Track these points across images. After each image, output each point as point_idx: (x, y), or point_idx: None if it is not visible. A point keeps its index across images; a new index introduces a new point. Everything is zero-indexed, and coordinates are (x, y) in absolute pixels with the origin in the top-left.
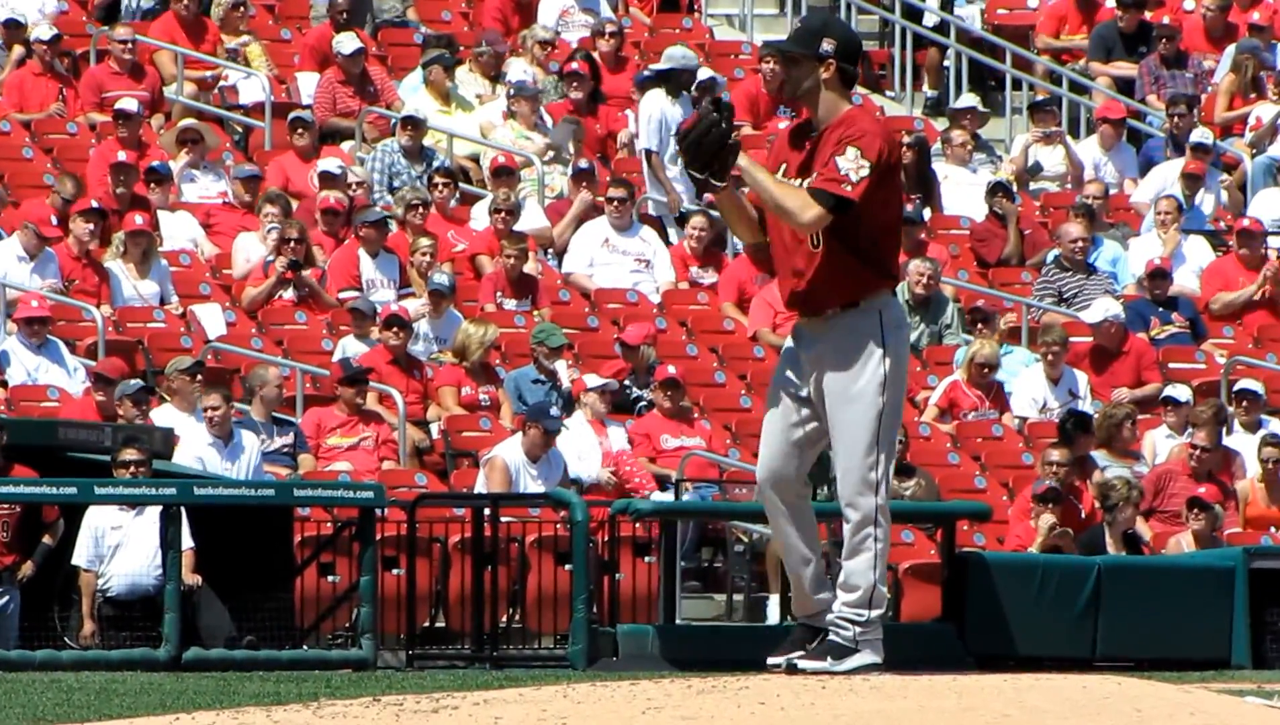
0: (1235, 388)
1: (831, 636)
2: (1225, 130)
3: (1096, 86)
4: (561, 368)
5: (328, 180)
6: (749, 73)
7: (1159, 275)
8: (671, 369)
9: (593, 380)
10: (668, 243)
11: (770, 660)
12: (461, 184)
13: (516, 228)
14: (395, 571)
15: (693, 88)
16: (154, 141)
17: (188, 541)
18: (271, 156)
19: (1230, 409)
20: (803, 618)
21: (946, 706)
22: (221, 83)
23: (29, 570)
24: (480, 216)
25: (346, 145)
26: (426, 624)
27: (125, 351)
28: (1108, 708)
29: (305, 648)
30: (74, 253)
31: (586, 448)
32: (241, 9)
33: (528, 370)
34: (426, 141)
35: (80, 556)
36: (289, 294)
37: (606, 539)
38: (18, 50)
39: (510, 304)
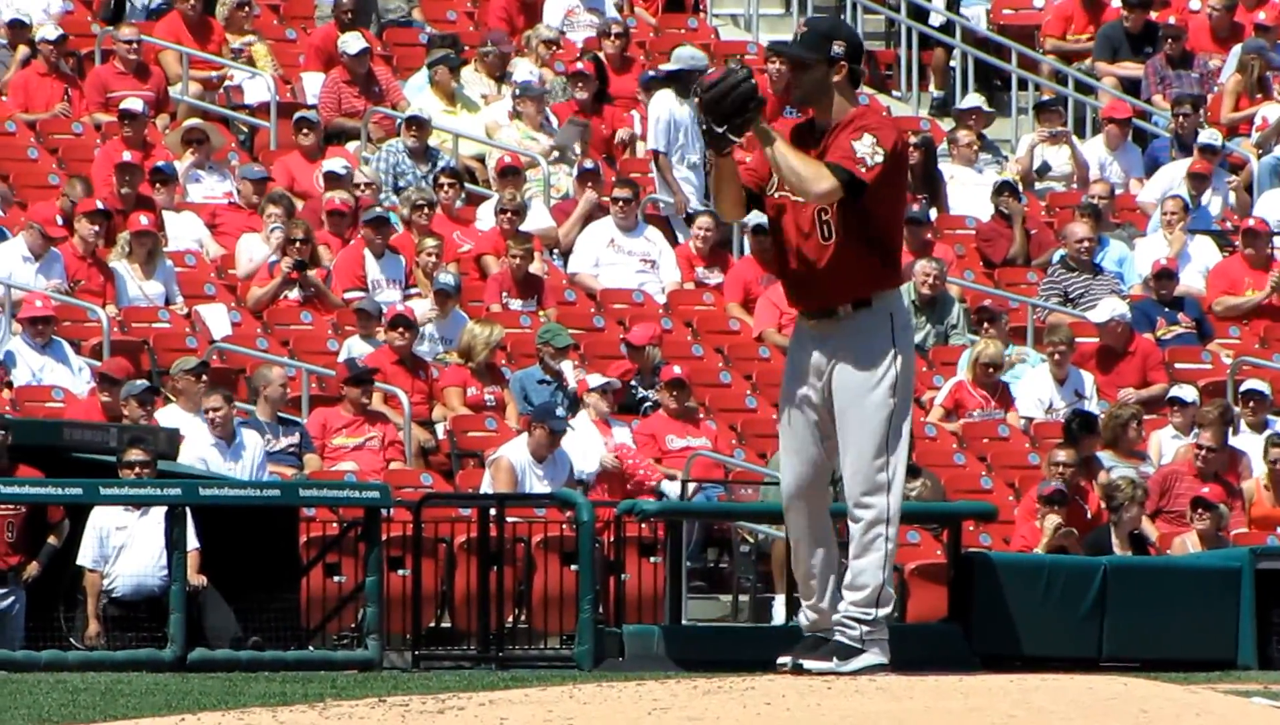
0: (1242, 388)
1: (837, 636)
2: (1231, 130)
3: (1102, 86)
4: (567, 368)
5: (333, 181)
6: (755, 73)
7: (1165, 275)
8: (677, 369)
9: (595, 380)
10: (673, 243)
11: (779, 660)
12: (467, 184)
13: (522, 228)
14: (401, 572)
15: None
16: (159, 142)
17: (193, 542)
18: (277, 157)
19: (1236, 409)
20: (820, 632)
21: (952, 707)
22: (226, 83)
23: (34, 571)
24: (486, 217)
25: (352, 145)
26: (432, 624)
27: (130, 352)
28: (1113, 708)
29: (311, 648)
30: (79, 253)
31: (591, 448)
32: (246, 9)
33: (533, 370)
34: (431, 142)
35: (85, 557)
36: (294, 294)
37: (612, 539)
38: (23, 50)
39: (516, 304)
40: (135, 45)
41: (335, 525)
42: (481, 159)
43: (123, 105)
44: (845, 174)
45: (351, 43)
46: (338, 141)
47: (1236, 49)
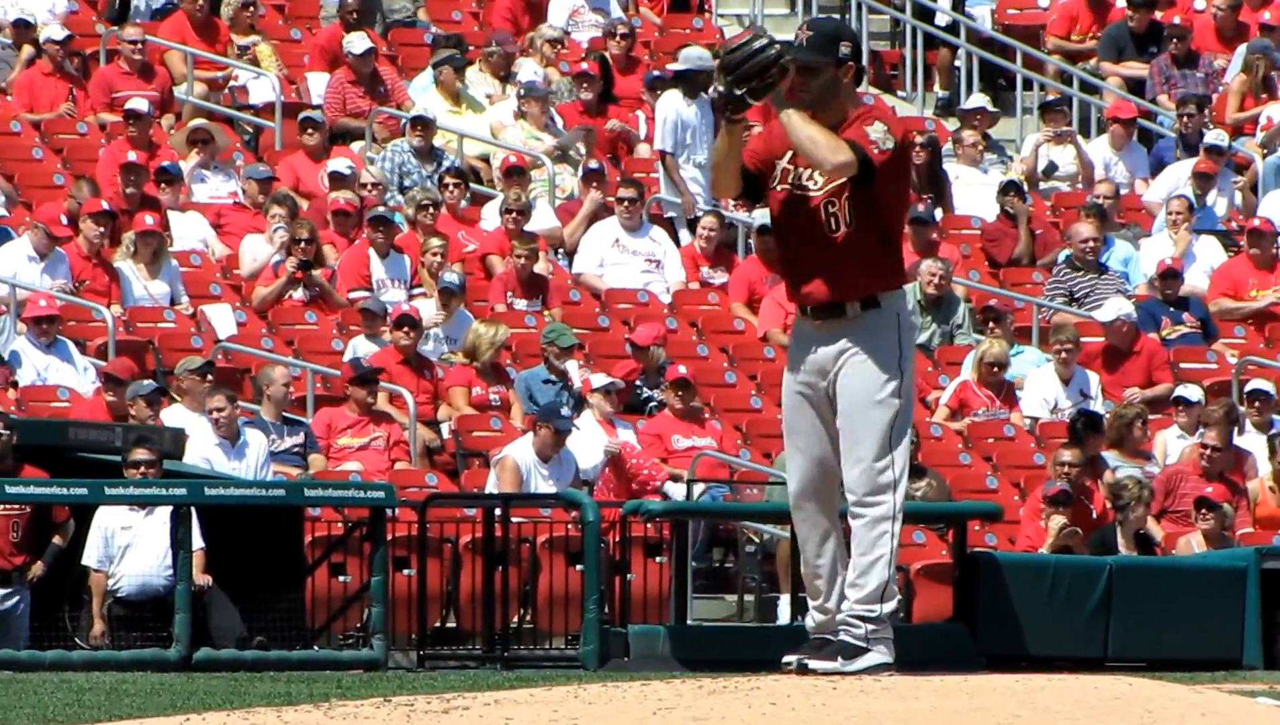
0: (1247, 388)
1: (842, 636)
2: (1236, 130)
3: (1107, 86)
4: (572, 368)
5: (338, 181)
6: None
7: (1170, 275)
8: (682, 369)
9: (598, 380)
10: (678, 243)
11: (784, 660)
12: (472, 184)
13: (527, 228)
14: (406, 572)
15: (711, 88)
16: (164, 142)
17: (198, 542)
18: (282, 157)
19: (1242, 409)
20: (827, 633)
21: (958, 707)
22: (231, 83)
23: (39, 570)
24: (491, 217)
25: (357, 145)
26: (437, 624)
27: (135, 351)
28: (1119, 708)
29: (316, 648)
30: (84, 253)
31: (597, 447)
32: (251, 8)
33: (538, 370)
34: (436, 142)
35: (90, 557)
36: (299, 294)
37: (618, 539)
38: (27, 50)
39: (521, 304)
40: (140, 45)
41: (340, 525)
42: (486, 159)
43: (128, 105)
44: (860, 151)
45: (356, 43)
46: (343, 141)
47: (1241, 49)
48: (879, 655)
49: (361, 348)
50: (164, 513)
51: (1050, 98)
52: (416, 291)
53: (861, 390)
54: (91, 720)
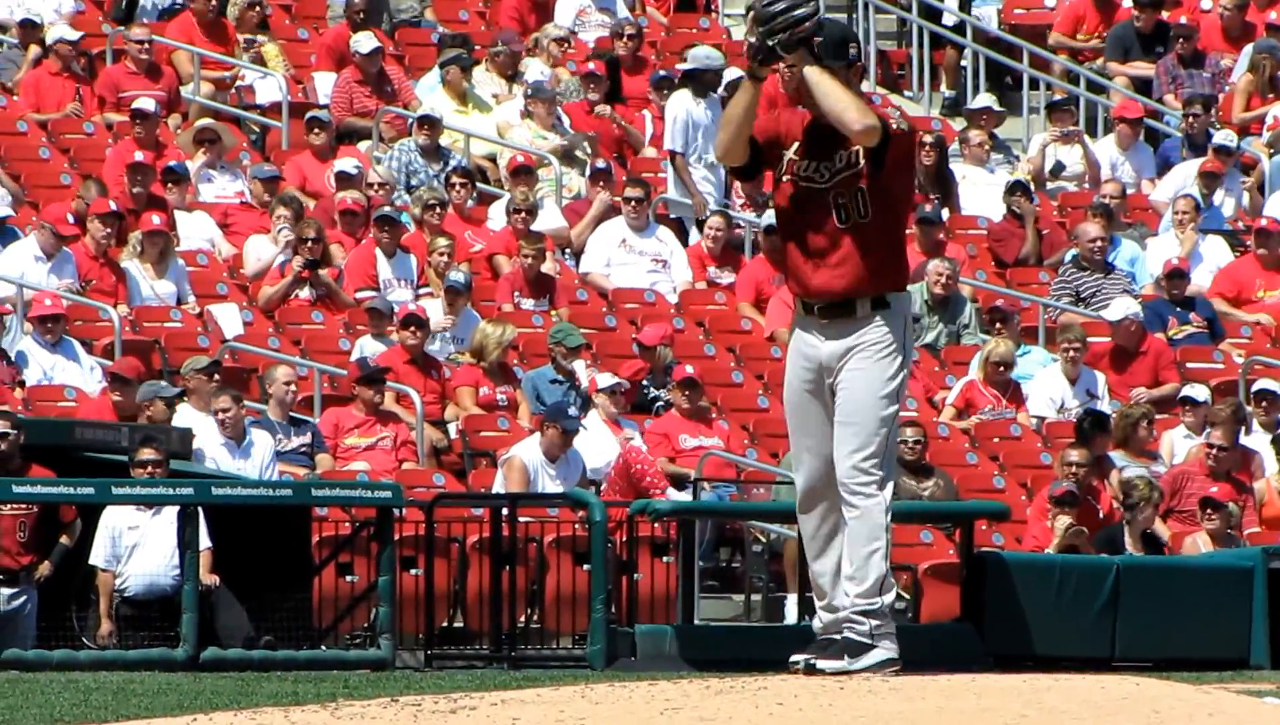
0: (1254, 388)
1: (847, 633)
2: (1243, 130)
3: (1114, 86)
4: (580, 367)
5: (344, 180)
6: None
7: (1177, 275)
8: (689, 369)
9: (603, 380)
10: (686, 243)
11: (791, 659)
12: (478, 184)
13: (534, 227)
14: (413, 571)
15: (720, 88)
16: (171, 141)
17: (205, 541)
18: (288, 156)
19: (1249, 409)
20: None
21: (965, 707)
22: (238, 82)
23: (46, 570)
24: (498, 216)
25: (363, 145)
26: (445, 624)
27: (142, 351)
28: (1126, 708)
29: (323, 648)
30: (91, 252)
31: (604, 447)
32: (257, 8)
33: (545, 370)
34: (443, 141)
35: (98, 556)
36: (306, 293)
37: (625, 539)
38: (34, 50)
39: (528, 304)
40: (147, 45)
41: (348, 525)
42: (493, 158)
43: (134, 105)
44: (880, 121)
45: (363, 42)
46: (349, 141)
47: (1248, 48)
48: (885, 651)
49: (368, 347)
50: (171, 512)
51: (1057, 97)
52: (423, 291)
53: (865, 386)
54: (99, 720)
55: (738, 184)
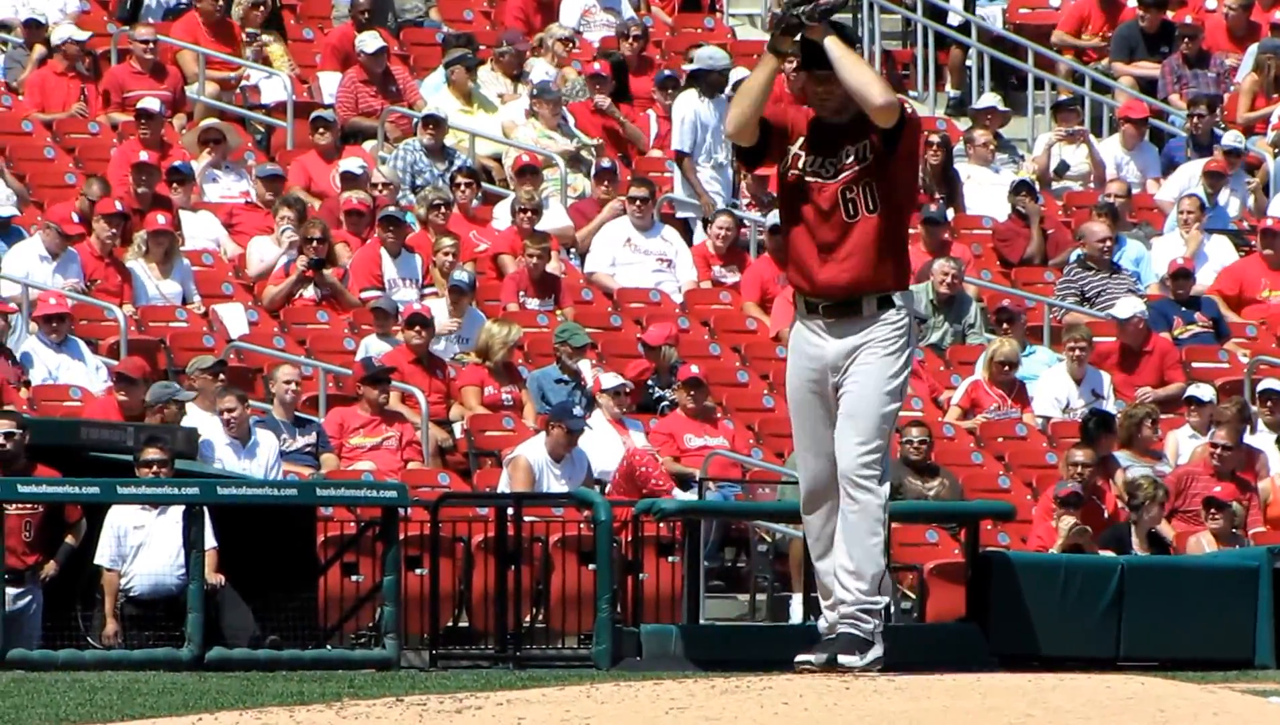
0: (1259, 387)
1: (851, 630)
2: (1247, 130)
3: (1119, 86)
4: (585, 367)
5: (350, 180)
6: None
7: (1182, 275)
8: (694, 369)
9: (608, 381)
10: (690, 243)
11: (799, 658)
12: (484, 184)
13: (539, 227)
14: (418, 571)
15: (728, 88)
16: (176, 141)
17: (211, 541)
18: (293, 156)
19: (1254, 408)
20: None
21: (970, 706)
22: (243, 82)
23: (52, 570)
24: (502, 216)
25: (369, 145)
26: (450, 624)
27: (147, 351)
28: (1131, 708)
29: (329, 647)
30: (96, 252)
31: (609, 447)
32: (262, 8)
33: (551, 370)
34: (448, 141)
35: (103, 556)
36: (310, 293)
37: (630, 539)
38: (39, 50)
39: (533, 303)
40: (152, 45)
41: (353, 524)
42: (498, 158)
43: (140, 105)
44: (898, 101)
45: (369, 42)
46: (354, 141)
47: (1253, 48)
48: (880, 648)
49: (373, 347)
50: (176, 512)
51: (1062, 97)
52: (428, 291)
53: (870, 382)
54: (104, 720)
55: (744, 184)
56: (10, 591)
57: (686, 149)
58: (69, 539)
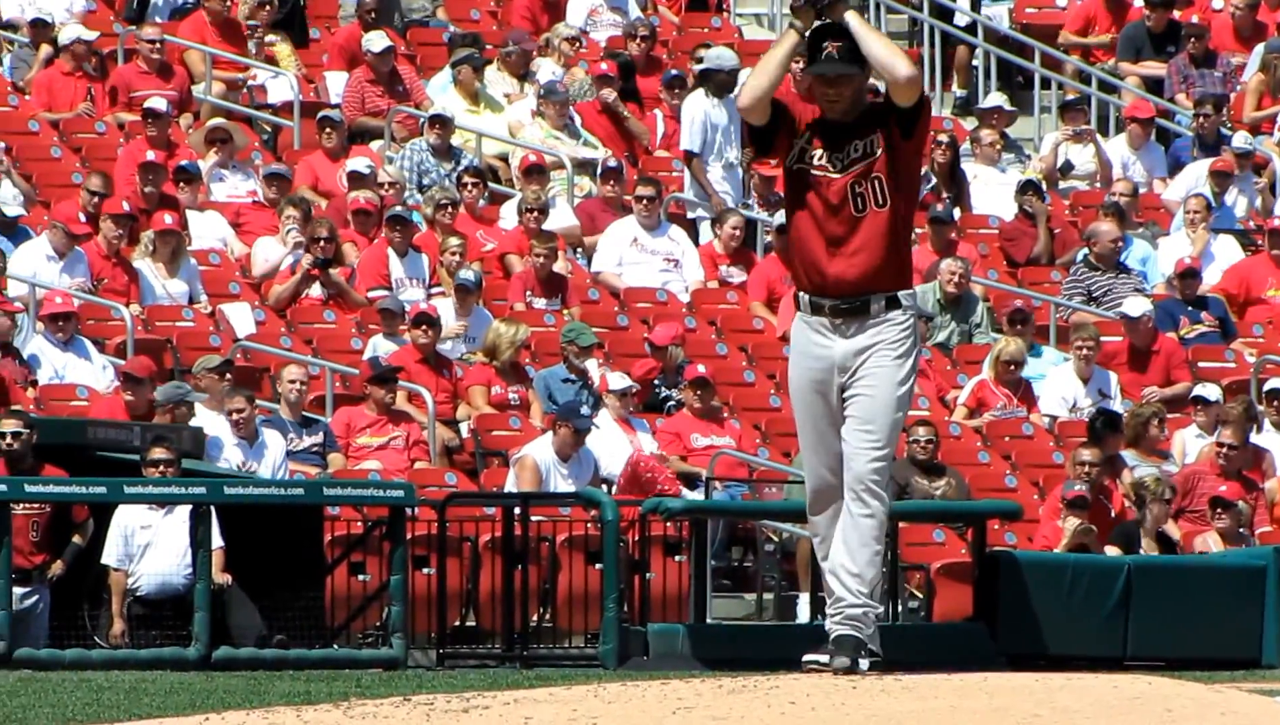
0: (1265, 387)
1: (851, 632)
2: (1254, 129)
3: (1125, 86)
4: (592, 367)
5: (356, 180)
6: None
7: (1189, 275)
8: (701, 368)
9: (614, 381)
10: (697, 242)
11: (806, 658)
12: (490, 183)
13: (545, 227)
14: (425, 571)
15: (736, 88)
16: (183, 141)
17: (218, 540)
18: (300, 156)
19: (1260, 408)
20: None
21: (977, 706)
22: (250, 82)
23: (59, 569)
24: (509, 216)
25: (375, 145)
26: (457, 623)
27: (154, 350)
28: (1138, 708)
29: (335, 647)
30: (103, 252)
31: (616, 447)
32: (267, 8)
33: (558, 369)
34: (455, 141)
35: (110, 556)
36: (317, 292)
37: (637, 538)
38: (45, 49)
39: (540, 303)
40: (158, 45)
41: (360, 524)
42: (505, 158)
43: (146, 104)
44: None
45: (376, 41)
46: (361, 141)
47: (1259, 48)
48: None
49: (380, 347)
50: (183, 512)
51: (1069, 97)
52: (435, 290)
53: (883, 387)
54: (111, 719)
55: (752, 184)
56: (17, 591)
57: (696, 149)
58: (76, 538)
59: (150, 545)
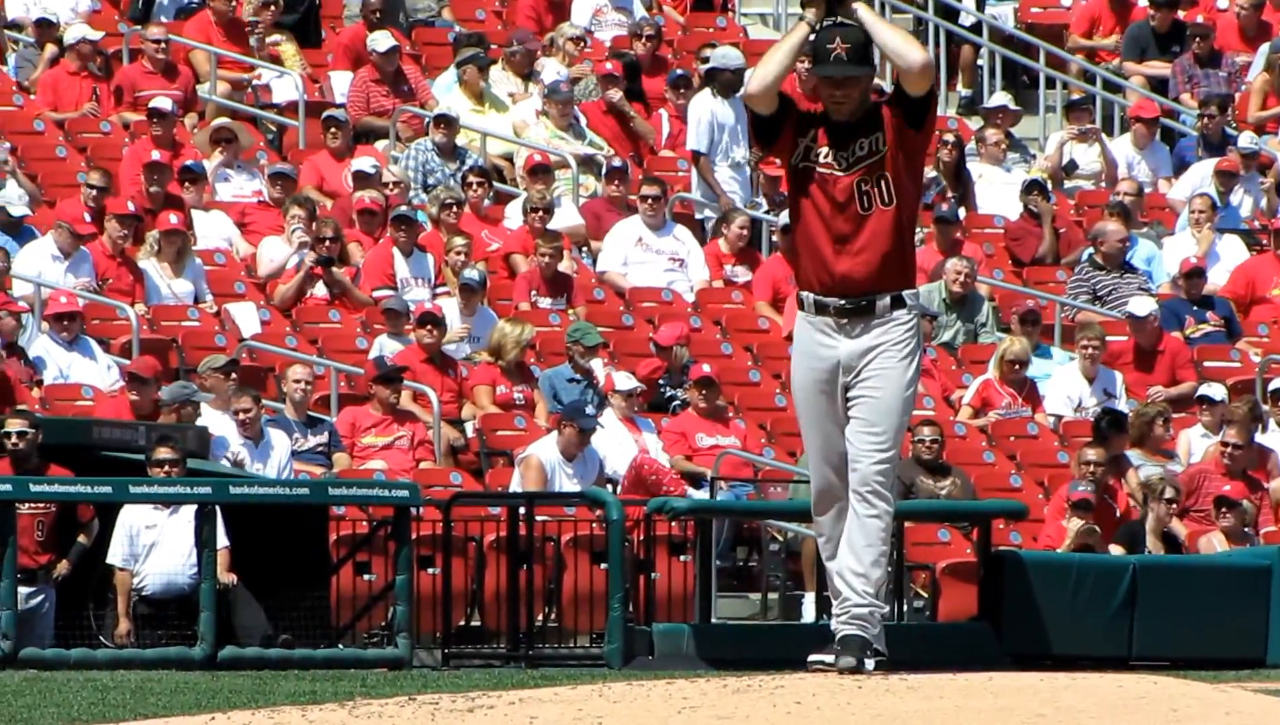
0: (1271, 386)
1: (857, 632)
2: (1259, 129)
3: (1130, 85)
4: (597, 366)
5: (361, 180)
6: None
7: (1195, 274)
8: (706, 368)
9: (620, 381)
10: (704, 242)
11: (812, 658)
12: (495, 183)
13: (550, 226)
14: (431, 570)
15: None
16: (188, 141)
17: (223, 540)
18: (305, 156)
19: (1265, 407)
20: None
21: (982, 706)
22: (255, 82)
23: (64, 569)
24: (514, 215)
25: (380, 144)
26: (462, 623)
27: (159, 350)
28: (1143, 707)
29: (341, 646)
30: (108, 251)
31: (621, 446)
32: (273, 8)
33: (563, 369)
34: (460, 140)
35: (115, 555)
36: (322, 292)
37: (642, 538)
38: (51, 49)
39: (545, 302)
40: (163, 45)
41: (365, 524)
42: (510, 157)
43: (151, 104)
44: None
45: (381, 41)
46: (366, 140)
47: (1264, 48)
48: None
49: (386, 346)
50: (188, 511)
51: (1074, 97)
52: (440, 290)
53: (890, 388)
54: (116, 719)
55: (760, 182)
56: (23, 591)
57: (704, 149)
58: (81, 538)
59: (155, 545)
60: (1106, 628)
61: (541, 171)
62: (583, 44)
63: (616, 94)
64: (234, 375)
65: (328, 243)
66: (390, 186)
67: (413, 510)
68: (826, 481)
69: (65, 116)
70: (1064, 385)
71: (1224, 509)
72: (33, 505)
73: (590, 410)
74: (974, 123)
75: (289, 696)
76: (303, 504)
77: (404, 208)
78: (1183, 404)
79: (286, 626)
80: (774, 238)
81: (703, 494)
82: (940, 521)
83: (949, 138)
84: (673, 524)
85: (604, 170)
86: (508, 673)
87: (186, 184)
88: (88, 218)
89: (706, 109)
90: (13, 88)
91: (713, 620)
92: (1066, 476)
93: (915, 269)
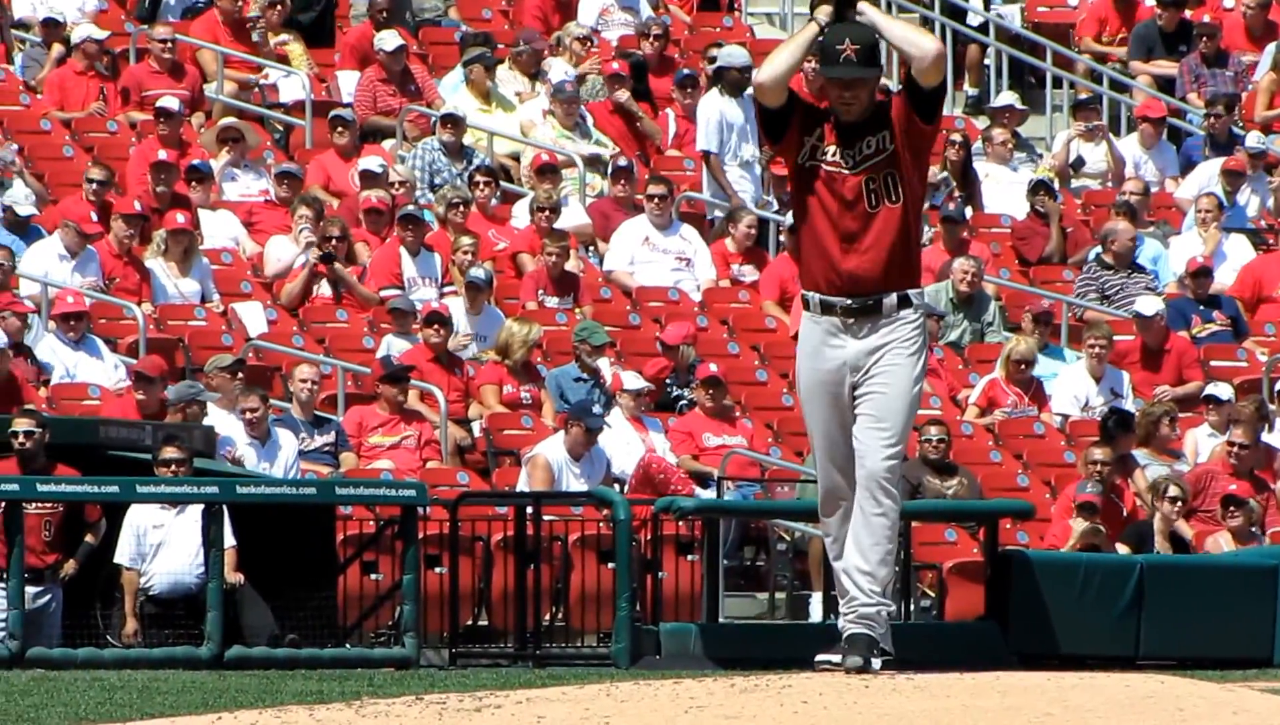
0: (1277, 386)
1: (865, 632)
2: (1265, 128)
3: (1137, 85)
4: (604, 366)
5: (368, 179)
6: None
7: (1201, 274)
8: (713, 367)
9: (627, 380)
10: (709, 241)
11: (819, 657)
12: (502, 182)
13: (557, 225)
14: (438, 570)
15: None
16: (195, 140)
17: (230, 540)
18: (312, 155)
19: (1272, 407)
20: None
21: (989, 705)
22: (262, 81)
23: (71, 569)
24: (521, 215)
25: (387, 144)
26: (469, 622)
27: (166, 349)
28: (1150, 706)
29: (348, 646)
30: (115, 251)
31: (628, 446)
32: (279, 7)
33: (569, 368)
34: (467, 140)
35: (122, 555)
36: (327, 291)
37: (649, 537)
38: (57, 49)
39: (552, 302)
40: (170, 44)
41: (372, 523)
42: (516, 157)
43: (159, 104)
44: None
45: (388, 40)
46: (373, 140)
47: (1271, 47)
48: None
49: (393, 346)
50: (195, 511)
51: (1081, 96)
52: (447, 290)
53: (897, 385)
54: (123, 719)
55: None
56: (30, 590)
57: (714, 149)
58: (88, 538)
59: (162, 544)
60: (1114, 627)
61: (548, 171)
62: (589, 43)
63: (623, 93)
64: (241, 375)
65: (334, 242)
66: (397, 186)
67: (420, 510)
68: (833, 482)
69: (72, 116)
70: (1071, 385)
71: (1231, 508)
72: (40, 505)
73: (597, 410)
74: (981, 122)
75: (296, 696)
76: (310, 503)
77: (411, 207)
78: (1189, 403)
79: (293, 626)
80: (781, 237)
81: (710, 493)
82: (947, 521)
83: (956, 137)
84: (680, 524)
85: (610, 170)
86: (515, 672)
87: (193, 183)
88: (94, 217)
89: (715, 109)
90: (20, 87)
91: (720, 620)
92: (1073, 476)
93: (920, 267)
